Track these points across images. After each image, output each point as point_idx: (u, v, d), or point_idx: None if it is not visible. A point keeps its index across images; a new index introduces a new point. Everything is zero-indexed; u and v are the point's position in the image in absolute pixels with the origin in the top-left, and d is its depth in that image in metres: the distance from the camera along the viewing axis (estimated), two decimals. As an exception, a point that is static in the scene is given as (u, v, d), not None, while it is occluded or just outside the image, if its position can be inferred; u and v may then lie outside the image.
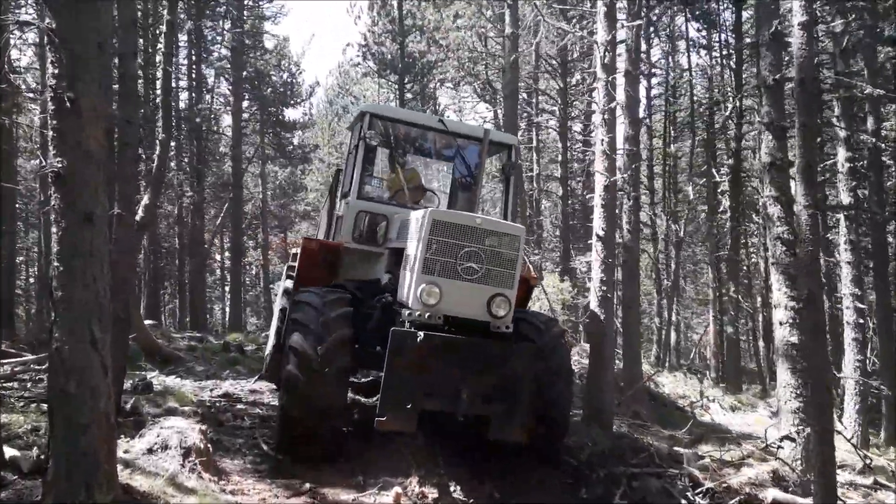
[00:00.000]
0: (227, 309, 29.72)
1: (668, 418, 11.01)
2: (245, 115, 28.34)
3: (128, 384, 8.55)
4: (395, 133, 7.60)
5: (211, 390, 9.21)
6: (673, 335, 21.71)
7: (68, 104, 4.03)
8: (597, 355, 8.73)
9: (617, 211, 9.63)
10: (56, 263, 4.07)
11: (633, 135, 10.81)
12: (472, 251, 5.40)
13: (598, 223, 8.95)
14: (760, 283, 19.65)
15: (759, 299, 19.38)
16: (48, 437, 4.06)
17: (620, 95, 9.62)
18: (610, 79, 8.91)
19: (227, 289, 33.56)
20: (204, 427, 5.63)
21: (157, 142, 10.61)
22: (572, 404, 6.61)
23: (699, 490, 5.66)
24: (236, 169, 22.92)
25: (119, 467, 4.61)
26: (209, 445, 5.55)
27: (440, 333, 5.27)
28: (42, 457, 4.60)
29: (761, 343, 20.09)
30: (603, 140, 8.88)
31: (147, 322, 16.35)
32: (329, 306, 5.76)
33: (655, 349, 16.07)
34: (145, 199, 10.51)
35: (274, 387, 9.06)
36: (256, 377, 9.96)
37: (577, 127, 23.92)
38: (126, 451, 5.13)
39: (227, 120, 29.85)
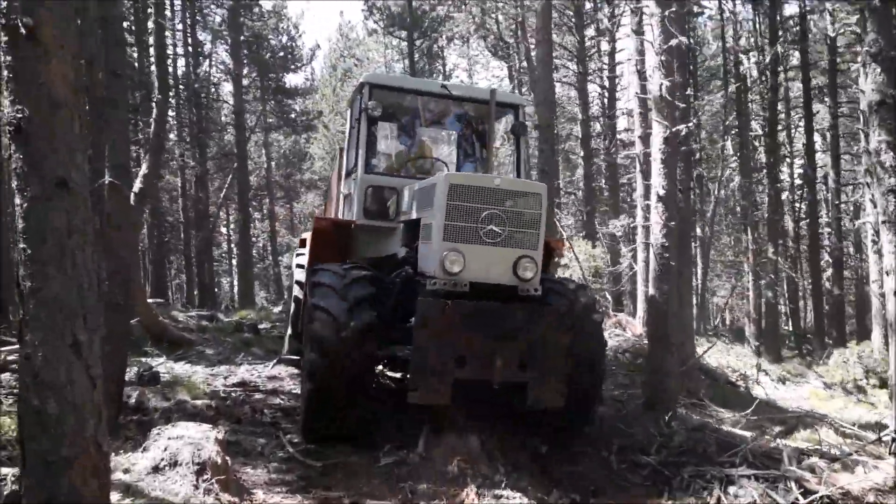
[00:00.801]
0: (236, 283, 28.84)
1: (723, 395, 10.09)
2: (245, 83, 27.12)
3: (131, 373, 7.68)
4: (397, 102, 7.29)
5: (225, 378, 8.32)
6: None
7: (24, 32, 3.00)
8: (656, 332, 7.75)
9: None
10: (22, 245, 3.08)
11: (682, 81, 9.67)
12: (492, 213, 5.19)
13: (657, 181, 7.89)
14: (794, 244, 18.57)
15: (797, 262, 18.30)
16: (19, 473, 3.12)
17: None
18: (667, 13, 7.75)
19: (234, 262, 32.69)
20: (220, 436, 4.68)
21: (153, 103, 9.49)
22: (605, 369, 6.38)
23: (811, 498, 4.73)
24: (240, 137, 21.79)
25: (116, 496, 3.70)
26: (227, 458, 4.62)
27: (466, 301, 5.07)
28: (16, 488, 3.66)
29: (810, 308, 19.08)
30: (662, 85, 7.75)
31: (153, 301, 15.50)
32: (350, 285, 5.43)
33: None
34: (144, 169, 9.48)
35: (294, 370, 8.24)
36: (275, 361, 9.07)
37: (592, 88, 22.66)
38: (127, 471, 4.20)
39: (226, 88, 28.70)
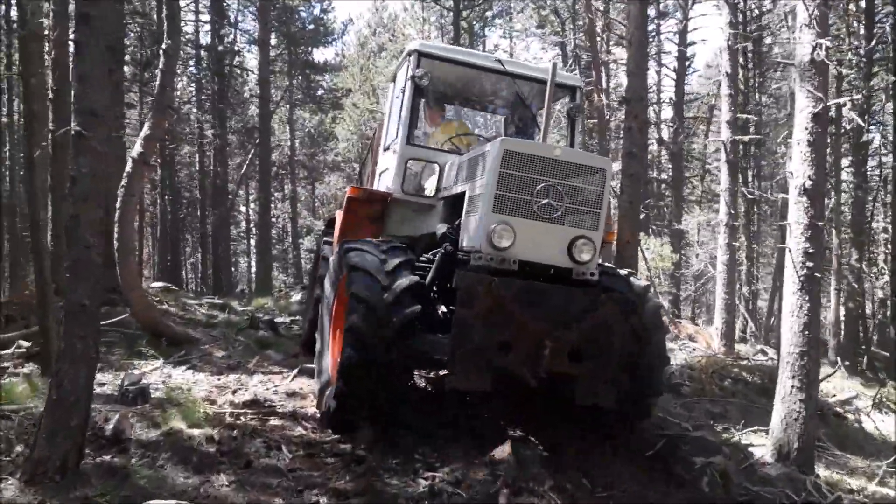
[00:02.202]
0: (254, 266, 27.26)
1: (836, 432, 8.29)
2: (272, 55, 25.52)
3: (113, 387, 6.08)
4: (446, 75, 6.86)
5: (234, 392, 6.65)
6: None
7: None
8: (793, 362, 5.95)
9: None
10: None
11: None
12: (550, 186, 4.75)
13: (800, 169, 6.05)
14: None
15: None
16: None
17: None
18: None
19: (252, 243, 31.17)
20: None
21: (161, 51, 7.82)
22: (668, 357, 5.79)
23: None
24: (263, 110, 20.09)
25: None
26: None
27: (516, 279, 4.62)
28: None
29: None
30: (818, 46, 5.88)
31: (157, 285, 13.91)
32: (393, 273, 4.94)
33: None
34: (146, 129, 7.85)
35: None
36: (295, 371, 7.40)
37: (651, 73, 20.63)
38: None
39: (251, 61, 27.12)
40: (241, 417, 5.88)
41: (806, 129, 5.98)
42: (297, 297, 15.80)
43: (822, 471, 6.40)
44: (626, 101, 8.04)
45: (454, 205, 5.62)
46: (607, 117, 15.79)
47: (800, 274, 5.91)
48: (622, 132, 9.60)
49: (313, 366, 7.31)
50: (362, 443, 5.26)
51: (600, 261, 5.18)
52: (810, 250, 5.92)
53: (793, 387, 5.93)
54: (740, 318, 12.27)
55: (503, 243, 4.68)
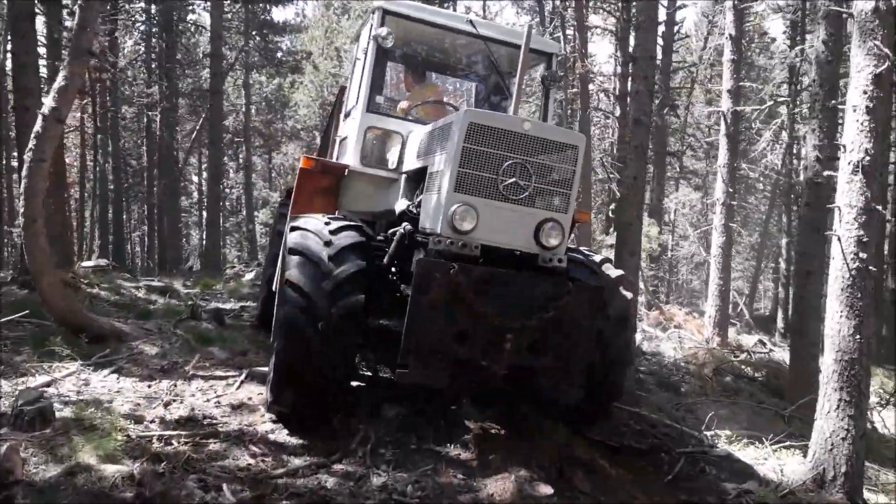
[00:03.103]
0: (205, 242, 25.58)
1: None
2: (226, 13, 23.67)
3: (5, 405, 4.84)
4: (412, 36, 6.48)
5: (166, 405, 5.42)
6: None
7: None
8: (841, 372, 5.03)
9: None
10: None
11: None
12: (517, 164, 4.40)
13: (856, 141, 5.06)
14: None
15: None
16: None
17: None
18: None
19: (204, 215, 29.43)
20: None
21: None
22: (633, 358, 5.69)
23: None
24: (216, 69, 18.35)
25: None
26: None
27: (476, 266, 4.29)
28: None
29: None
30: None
31: (89, 264, 12.44)
32: (337, 257, 4.63)
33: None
34: (60, 79, 6.45)
35: (264, 392, 5.58)
36: (243, 375, 6.23)
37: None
38: None
39: (204, 18, 25.15)
40: (173, 442, 4.69)
41: (865, 92, 5.01)
42: (250, 275, 14.50)
43: (868, 493, 5.56)
44: (633, 59, 7.03)
45: (417, 180, 5.30)
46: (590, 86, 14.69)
47: (851, 267, 4.99)
48: (615, 100, 8.50)
49: (264, 369, 6.19)
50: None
51: (574, 241, 4.85)
52: (864, 239, 4.99)
53: (840, 400, 5.02)
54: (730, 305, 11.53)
55: (465, 226, 4.34)
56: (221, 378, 6.23)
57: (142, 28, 22.61)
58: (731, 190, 10.72)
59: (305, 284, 4.46)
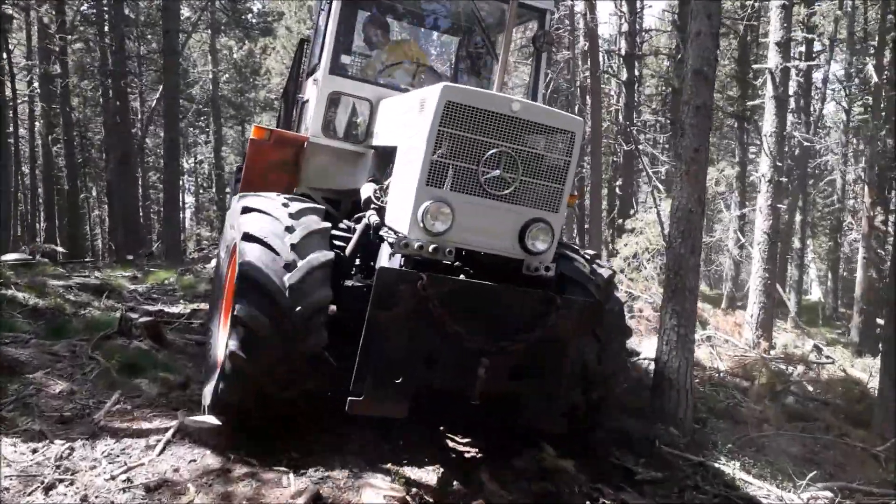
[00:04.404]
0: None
1: None
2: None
3: None
4: None
5: (46, 490, 3.66)
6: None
7: None
8: None
9: None
10: None
11: None
12: (502, 153, 3.80)
13: None
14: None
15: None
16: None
17: None
18: None
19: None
20: None
21: None
22: (625, 373, 4.99)
23: None
24: (169, 25, 16.12)
25: None
26: None
27: (451, 276, 3.81)
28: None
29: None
30: None
31: (10, 257, 10.51)
32: (301, 244, 4.01)
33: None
34: None
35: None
36: (171, 431, 4.48)
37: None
38: None
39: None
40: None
41: None
42: (211, 264, 12.61)
43: None
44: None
45: (385, 156, 4.75)
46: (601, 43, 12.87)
47: None
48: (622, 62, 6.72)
49: (202, 419, 4.50)
50: None
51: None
52: None
53: None
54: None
55: (437, 227, 3.78)
56: (142, 434, 4.45)
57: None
58: (780, 164, 9.06)
59: (264, 279, 3.84)
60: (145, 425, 4.61)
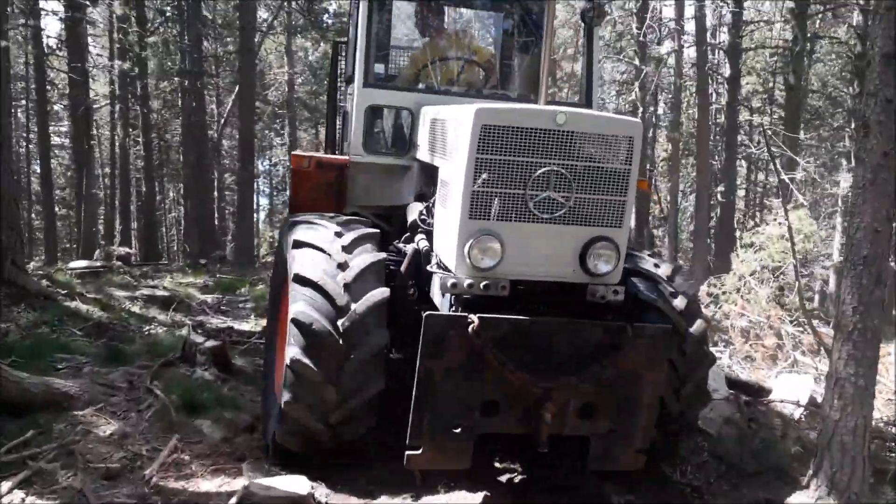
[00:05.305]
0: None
1: None
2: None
3: None
4: None
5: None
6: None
7: None
8: None
9: None
10: None
11: None
12: (553, 172, 3.42)
13: None
14: None
15: None
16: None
17: None
18: None
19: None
20: None
21: None
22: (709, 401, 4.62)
23: None
24: (245, 22, 15.73)
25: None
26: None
27: (505, 316, 3.43)
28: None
29: None
30: None
31: (78, 265, 10.13)
32: (356, 283, 3.75)
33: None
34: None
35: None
36: (237, 496, 3.68)
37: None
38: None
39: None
40: None
41: None
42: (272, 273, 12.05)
43: None
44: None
45: (431, 172, 4.34)
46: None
47: None
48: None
49: (270, 485, 3.70)
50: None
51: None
52: None
53: None
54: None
55: (486, 262, 3.43)
56: (199, 499, 3.68)
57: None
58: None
59: (317, 325, 3.63)
60: (204, 486, 3.84)
